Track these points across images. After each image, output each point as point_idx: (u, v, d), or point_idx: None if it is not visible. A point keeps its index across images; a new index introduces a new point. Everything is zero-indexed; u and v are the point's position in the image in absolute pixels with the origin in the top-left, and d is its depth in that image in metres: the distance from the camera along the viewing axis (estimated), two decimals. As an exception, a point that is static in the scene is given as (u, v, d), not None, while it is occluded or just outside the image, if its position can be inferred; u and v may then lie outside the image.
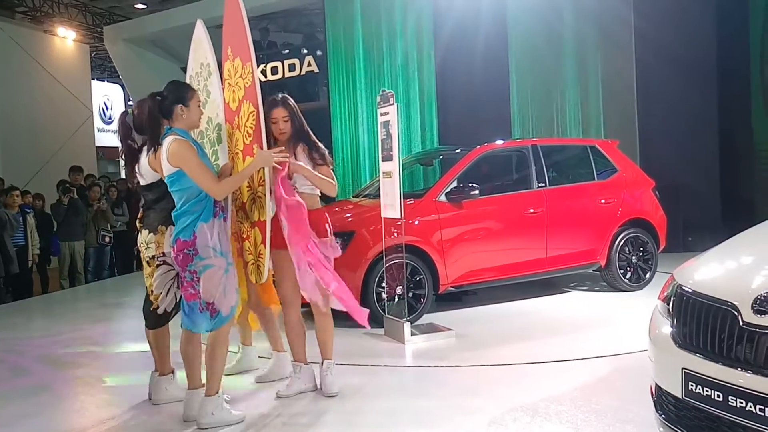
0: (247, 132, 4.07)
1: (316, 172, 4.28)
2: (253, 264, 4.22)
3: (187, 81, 4.57)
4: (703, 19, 9.88)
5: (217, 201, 3.85)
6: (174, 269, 4.13)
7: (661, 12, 9.75)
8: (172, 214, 3.88)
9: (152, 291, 4.22)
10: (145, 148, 4.16)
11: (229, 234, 3.98)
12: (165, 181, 3.89)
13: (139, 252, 4.41)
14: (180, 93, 3.89)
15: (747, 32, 9.39)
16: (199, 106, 3.95)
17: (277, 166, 4.05)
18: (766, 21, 9.19)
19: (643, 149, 10.02)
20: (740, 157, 9.70)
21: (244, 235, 4.26)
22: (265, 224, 4.04)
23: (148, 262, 4.23)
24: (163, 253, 4.15)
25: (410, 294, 6.18)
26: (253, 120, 4.01)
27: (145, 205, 4.31)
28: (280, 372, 4.75)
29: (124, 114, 4.47)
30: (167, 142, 3.77)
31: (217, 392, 3.91)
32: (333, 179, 4.36)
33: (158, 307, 4.21)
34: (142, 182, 4.25)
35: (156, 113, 3.87)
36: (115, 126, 20.82)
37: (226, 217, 3.98)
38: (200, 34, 4.48)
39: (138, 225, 4.35)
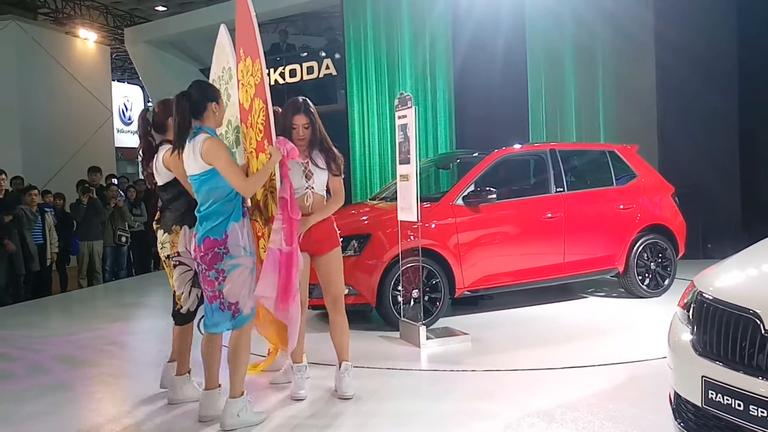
0: (259, 129, 4.08)
1: (327, 211, 4.36)
2: None
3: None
4: (724, 21, 9.78)
5: (244, 201, 3.89)
6: (191, 269, 4.17)
7: (681, 13, 9.66)
8: (198, 214, 3.86)
9: (174, 290, 4.32)
10: (161, 147, 4.21)
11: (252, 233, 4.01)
12: (190, 180, 3.87)
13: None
14: (211, 91, 3.96)
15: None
16: (222, 105, 4.02)
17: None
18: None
19: (662, 153, 9.93)
20: (761, 163, 9.58)
21: (259, 233, 4.28)
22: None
23: (165, 261, 4.30)
24: (177, 252, 4.21)
25: (426, 298, 6.16)
26: (264, 116, 4.01)
27: (162, 206, 4.36)
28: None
29: (145, 111, 4.53)
30: (200, 140, 3.77)
31: (242, 394, 3.91)
32: (342, 193, 4.45)
33: (182, 308, 4.31)
34: (159, 182, 4.31)
35: (189, 113, 3.86)
36: (134, 127, 21.02)
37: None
38: (223, 39, 4.55)
39: (155, 226, 4.39)
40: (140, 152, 4.50)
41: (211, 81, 4.70)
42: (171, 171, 4.20)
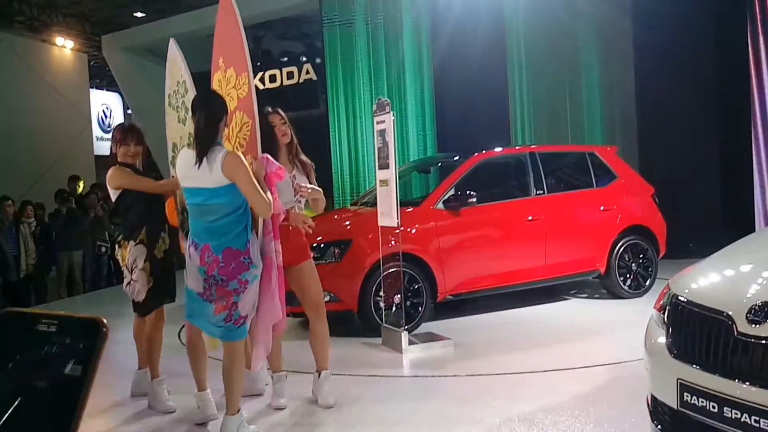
0: (239, 143, 4.03)
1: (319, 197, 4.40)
2: None
3: (166, 99, 4.76)
4: (701, 27, 9.86)
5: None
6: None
7: (659, 19, 9.73)
8: (203, 225, 3.70)
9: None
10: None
11: None
12: (194, 191, 3.69)
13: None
14: (224, 103, 3.80)
15: (746, 35, 9.37)
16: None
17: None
18: (766, 23, 9.18)
19: (642, 155, 9.99)
20: (739, 163, 9.66)
21: None
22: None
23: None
24: (126, 266, 4.44)
25: (408, 303, 6.14)
26: (247, 130, 3.96)
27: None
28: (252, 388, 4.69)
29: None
30: (219, 153, 3.59)
31: (239, 411, 3.81)
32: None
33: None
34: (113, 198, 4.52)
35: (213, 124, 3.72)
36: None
37: None
38: (174, 53, 4.62)
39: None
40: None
41: (166, 96, 4.76)
42: (121, 188, 4.38)
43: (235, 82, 4.08)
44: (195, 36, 13.56)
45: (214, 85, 4.27)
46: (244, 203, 3.66)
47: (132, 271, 4.38)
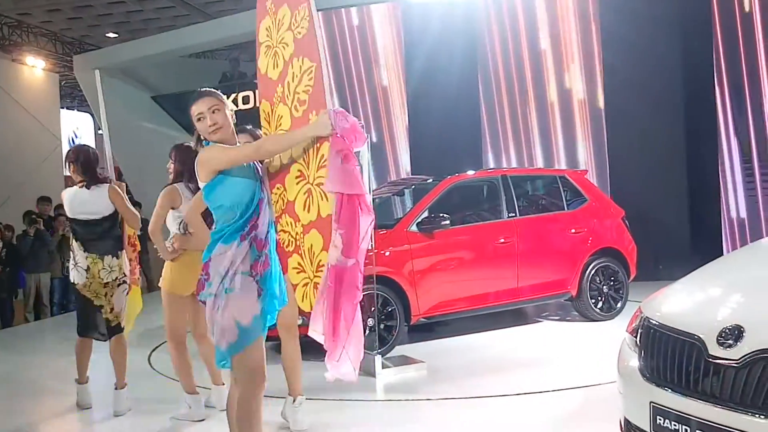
0: (299, 99, 3.03)
1: None
2: (306, 285, 3.06)
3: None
4: (670, 50, 10.07)
5: (252, 222, 3.01)
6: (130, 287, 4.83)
7: (627, 44, 9.93)
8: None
9: (111, 309, 4.73)
10: (100, 185, 4.72)
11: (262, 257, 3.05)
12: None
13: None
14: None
15: (712, 62, 9.59)
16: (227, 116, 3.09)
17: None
18: (730, 50, 9.43)
19: (613, 179, 10.13)
20: (707, 187, 9.83)
21: (289, 249, 3.14)
22: (329, 221, 2.89)
23: (107, 284, 4.70)
24: (124, 273, 4.79)
25: (381, 325, 6.11)
26: (309, 79, 2.94)
27: (95, 237, 4.70)
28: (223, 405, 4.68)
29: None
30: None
31: None
32: None
33: (120, 323, 4.77)
34: (97, 216, 4.69)
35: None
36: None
37: (263, 241, 3.04)
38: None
39: (91, 255, 4.69)
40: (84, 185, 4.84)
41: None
42: (114, 203, 4.70)
43: (290, 21, 3.09)
44: (168, 56, 13.55)
45: (262, 37, 3.32)
46: (235, 212, 3.01)
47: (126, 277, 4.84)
